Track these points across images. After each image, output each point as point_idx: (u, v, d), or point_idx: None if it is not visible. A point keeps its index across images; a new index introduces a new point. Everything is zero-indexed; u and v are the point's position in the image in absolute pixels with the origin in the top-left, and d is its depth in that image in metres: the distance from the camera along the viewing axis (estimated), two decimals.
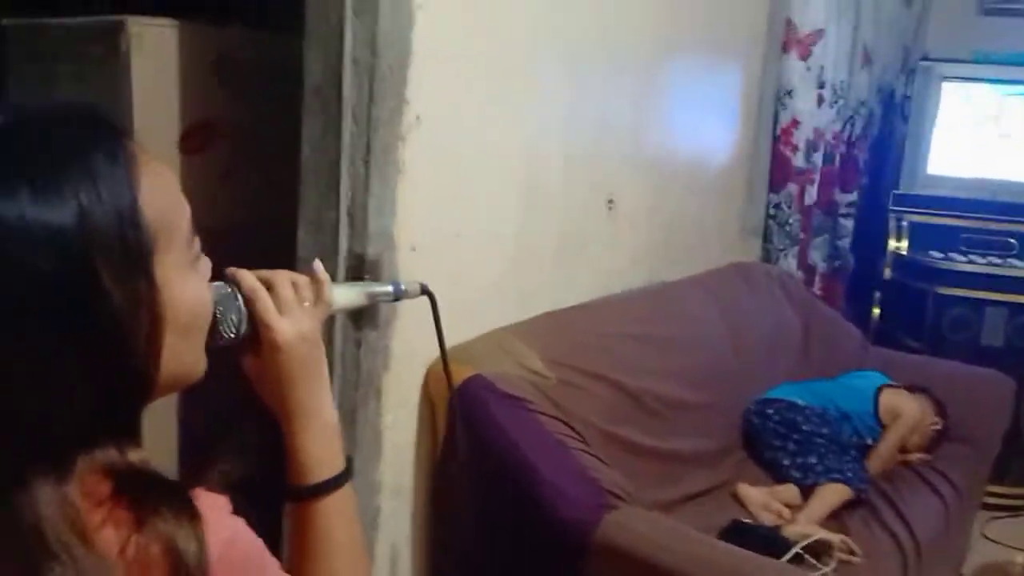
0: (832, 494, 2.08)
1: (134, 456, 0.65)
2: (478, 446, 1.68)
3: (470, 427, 1.70)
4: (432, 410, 1.78)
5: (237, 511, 0.69)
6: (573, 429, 1.76)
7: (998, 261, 3.02)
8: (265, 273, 0.82)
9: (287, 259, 1.66)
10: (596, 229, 2.23)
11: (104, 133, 0.65)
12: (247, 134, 1.98)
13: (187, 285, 0.68)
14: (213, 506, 0.66)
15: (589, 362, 1.93)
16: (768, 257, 2.99)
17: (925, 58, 3.28)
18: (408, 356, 1.73)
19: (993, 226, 3.10)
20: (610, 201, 2.24)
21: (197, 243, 0.71)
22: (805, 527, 1.90)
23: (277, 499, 0.86)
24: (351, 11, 1.54)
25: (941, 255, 3.05)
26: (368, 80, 1.56)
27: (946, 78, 3.13)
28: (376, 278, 1.63)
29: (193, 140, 1.90)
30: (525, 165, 1.95)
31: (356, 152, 1.59)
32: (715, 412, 2.26)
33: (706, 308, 2.44)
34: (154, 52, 1.82)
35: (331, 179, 1.61)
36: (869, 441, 2.37)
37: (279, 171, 1.71)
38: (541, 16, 1.91)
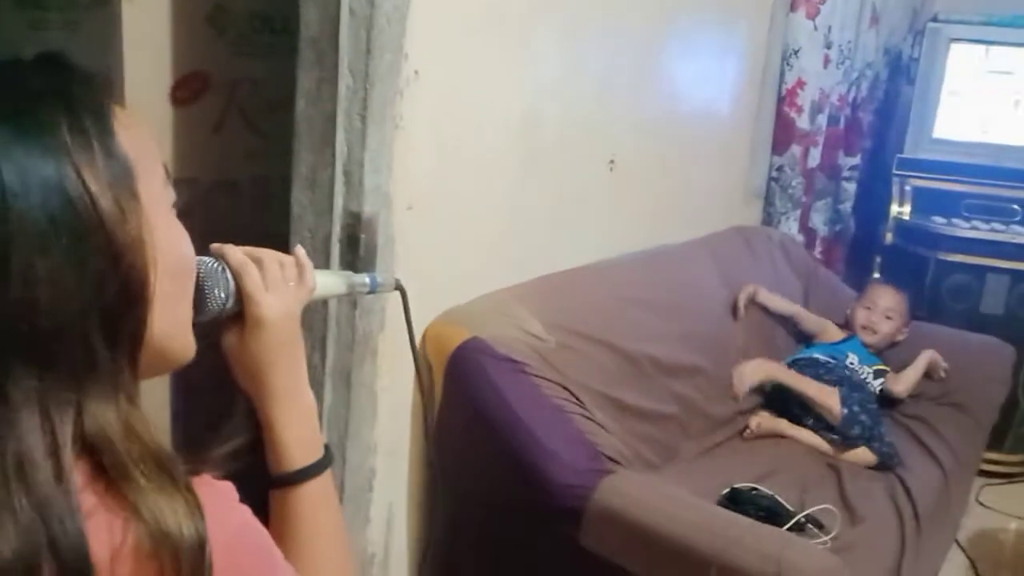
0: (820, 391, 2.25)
1: (136, 420, 0.61)
2: (475, 409, 1.66)
3: (466, 390, 1.68)
4: (429, 372, 1.76)
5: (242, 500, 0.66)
6: (571, 393, 1.74)
7: (1001, 227, 2.99)
8: (250, 249, 0.81)
9: (282, 216, 1.62)
10: (597, 190, 2.18)
11: (79, 75, 0.64)
12: (241, 86, 1.93)
13: (171, 228, 0.67)
14: (219, 493, 0.64)
15: (588, 326, 1.91)
16: (769, 220, 2.96)
17: (934, 19, 3.21)
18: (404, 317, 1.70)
19: (997, 192, 3.06)
20: (611, 162, 2.19)
21: (171, 190, 0.69)
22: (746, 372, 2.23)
23: (257, 485, 0.84)
24: None
25: (944, 220, 3.01)
26: (366, 32, 1.51)
27: (955, 39, 3.07)
28: (371, 237, 1.59)
29: (184, 90, 1.85)
30: (524, 123, 1.90)
31: (352, 106, 1.54)
32: (714, 376, 2.24)
33: (707, 272, 2.41)
34: (145, 1, 1.77)
35: (326, 134, 1.56)
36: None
37: (273, 125, 1.66)
38: None
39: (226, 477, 0.66)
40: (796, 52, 2.82)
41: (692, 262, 2.38)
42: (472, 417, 1.67)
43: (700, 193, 2.65)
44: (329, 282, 0.93)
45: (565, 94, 2.00)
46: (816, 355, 2.45)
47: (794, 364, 2.41)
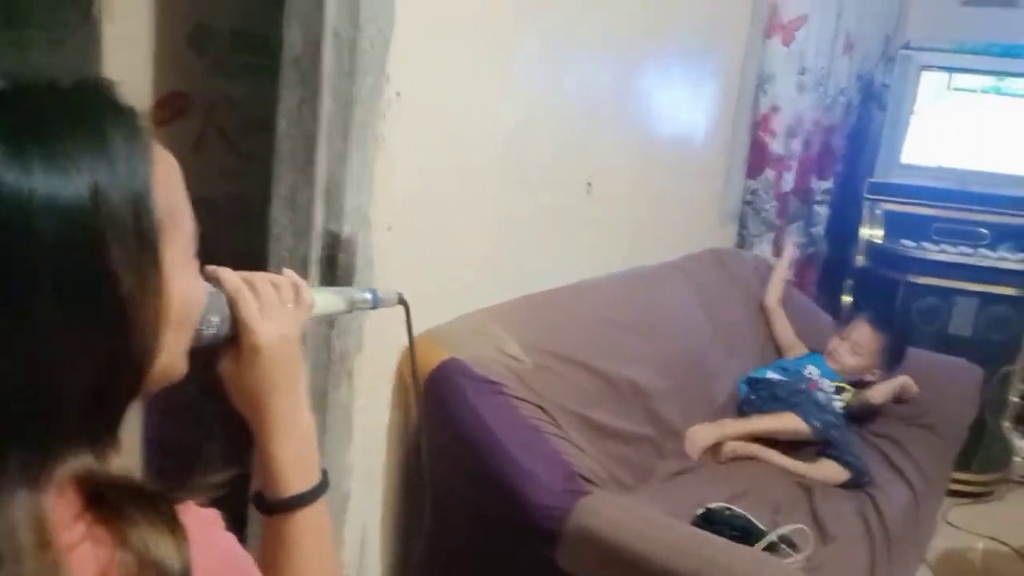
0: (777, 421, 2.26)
1: (114, 465, 0.62)
2: (452, 430, 1.66)
3: (444, 410, 1.68)
4: (405, 392, 1.76)
5: (228, 527, 0.66)
6: (548, 414, 1.75)
7: (969, 251, 3.04)
8: (245, 273, 0.80)
9: (259, 236, 1.62)
10: (576, 211, 2.21)
11: (121, 110, 0.62)
12: (222, 106, 1.93)
13: (186, 278, 0.66)
14: (205, 521, 0.63)
15: (566, 347, 1.92)
16: (743, 243, 2.99)
17: (906, 46, 3.27)
18: (381, 338, 1.71)
19: (965, 216, 3.12)
20: (589, 184, 2.21)
21: (195, 241, 0.69)
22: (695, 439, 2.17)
23: (245, 510, 0.84)
24: None
25: (913, 244, 3.06)
26: (349, 54, 1.52)
27: (925, 67, 3.13)
28: (350, 258, 1.60)
29: (165, 110, 1.85)
30: (505, 146, 1.92)
31: (334, 127, 1.55)
32: (691, 397, 2.26)
33: (683, 293, 2.43)
34: (127, 19, 1.77)
35: (307, 154, 1.57)
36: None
37: (252, 145, 1.66)
38: None
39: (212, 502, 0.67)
40: (771, 78, 2.87)
41: (668, 283, 2.41)
42: (451, 438, 1.68)
43: (676, 216, 2.68)
44: (328, 300, 0.91)
45: (545, 118, 2.02)
46: (770, 375, 2.48)
47: (751, 386, 2.43)
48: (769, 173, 2.92)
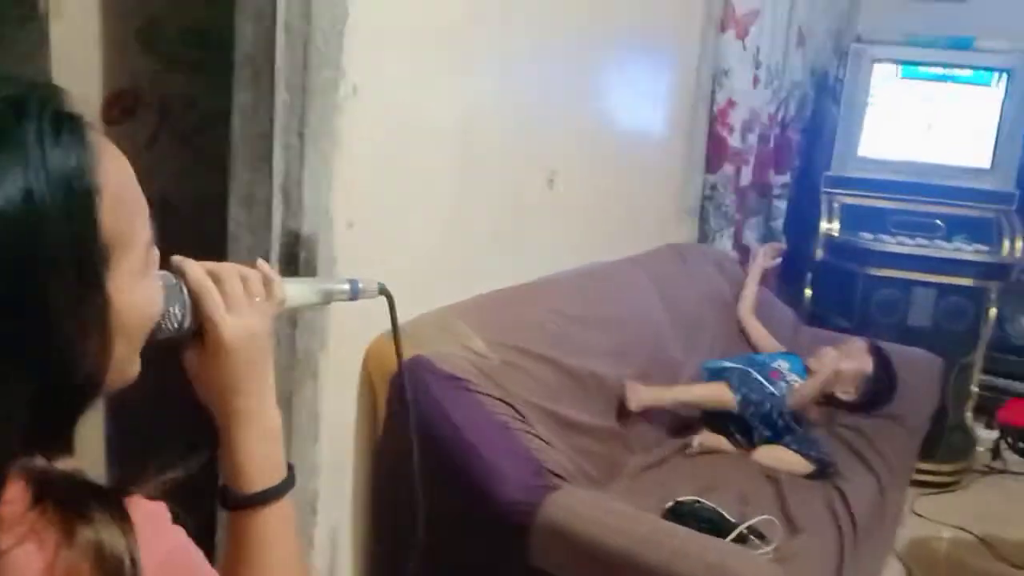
0: (710, 386, 2.25)
1: (64, 465, 0.60)
2: (419, 427, 1.63)
3: (411, 408, 1.66)
4: (372, 391, 1.74)
5: (176, 520, 0.64)
6: (515, 409, 1.74)
7: (925, 242, 3.08)
8: (212, 265, 0.77)
9: (218, 235, 1.59)
10: (536, 207, 2.19)
11: (65, 123, 0.57)
12: (175, 103, 1.89)
13: (138, 290, 0.63)
14: (151, 514, 0.61)
15: (531, 342, 1.91)
16: (704, 238, 3.00)
17: (857, 40, 3.31)
18: (346, 336, 1.68)
19: (921, 208, 3.16)
20: (550, 180, 2.20)
21: (154, 249, 0.66)
22: (633, 395, 2.08)
23: (212, 506, 0.81)
24: None
25: (871, 236, 3.09)
26: (302, 48, 1.50)
27: (877, 60, 3.17)
28: (311, 256, 1.57)
29: (116, 109, 1.81)
30: (464, 140, 1.90)
31: (290, 123, 1.52)
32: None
33: (645, 288, 2.43)
34: (74, 16, 1.73)
35: (263, 152, 1.54)
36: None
37: (208, 142, 1.63)
38: None
39: (172, 493, 0.64)
40: (726, 72, 2.88)
41: (630, 278, 2.41)
42: (416, 435, 1.65)
43: (636, 211, 2.68)
44: (300, 292, 0.88)
45: (503, 112, 2.01)
46: (727, 364, 2.44)
47: (711, 373, 2.41)
48: (728, 168, 2.93)
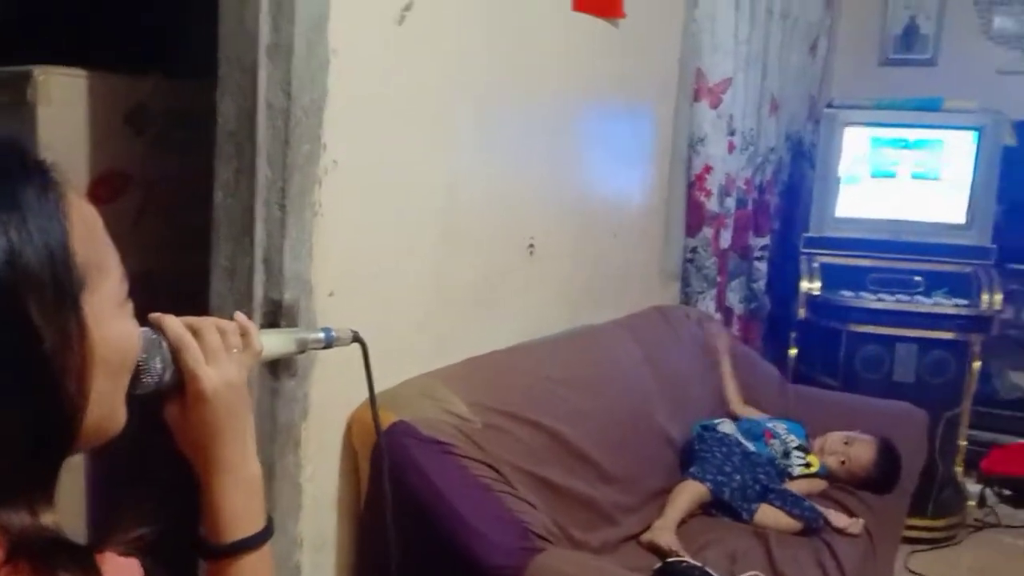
0: (683, 493, 2.17)
1: (47, 518, 0.60)
2: (402, 493, 1.64)
3: (393, 474, 1.66)
4: (354, 460, 1.75)
5: (149, 574, 0.65)
6: (498, 472, 1.74)
7: (906, 298, 3.13)
8: (190, 319, 0.80)
9: (200, 307, 1.62)
10: (518, 272, 2.23)
11: (31, 165, 0.62)
12: (161, 181, 1.94)
13: (116, 324, 0.66)
14: (122, 569, 0.62)
15: (514, 405, 1.92)
16: (687, 300, 3.04)
17: (829, 105, 3.41)
18: (328, 404, 1.70)
19: (899, 265, 3.21)
20: (531, 245, 2.25)
21: (125, 284, 0.69)
22: (660, 536, 1.98)
23: (191, 556, 0.83)
24: (265, 55, 1.53)
25: (852, 294, 3.14)
26: (283, 123, 1.55)
27: (849, 123, 3.26)
28: (292, 324, 1.59)
29: (103, 189, 1.85)
30: (443, 209, 1.95)
31: (271, 196, 1.57)
32: (641, 453, 2.26)
33: (629, 350, 2.45)
34: (63, 102, 1.78)
35: (245, 224, 1.58)
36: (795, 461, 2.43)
37: (193, 218, 1.67)
38: (454, 62, 1.92)
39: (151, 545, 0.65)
40: (702, 139, 2.96)
41: (614, 341, 2.43)
42: (399, 502, 1.66)
43: (619, 275, 2.73)
44: (277, 342, 0.91)
45: (484, 181, 2.06)
46: (720, 426, 2.43)
47: (699, 441, 2.40)
48: (707, 231, 2.99)
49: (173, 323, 0.78)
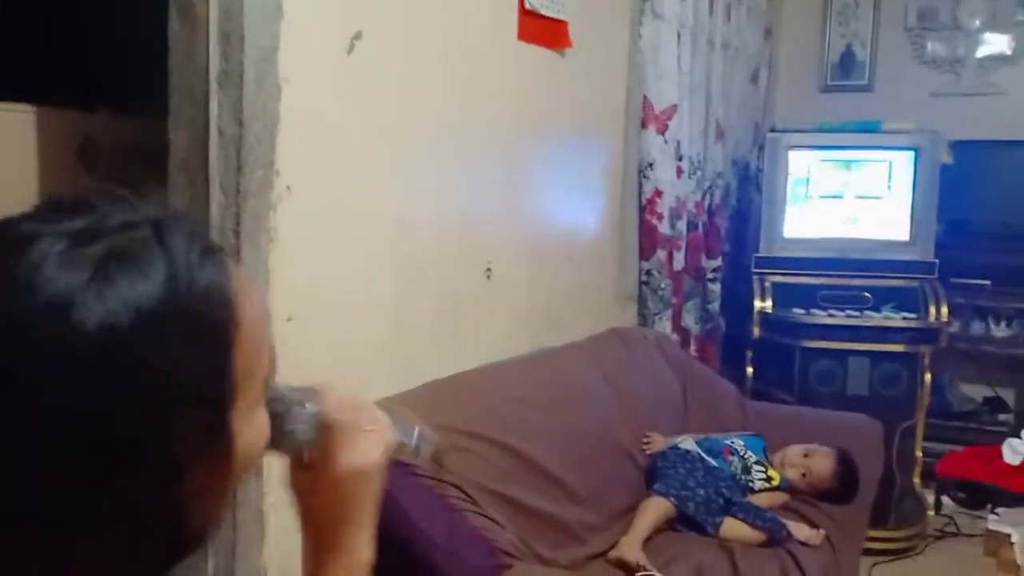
0: (649, 509, 2.18)
1: None
2: None
3: None
4: None
5: None
6: (465, 493, 1.75)
7: (855, 313, 3.19)
8: (345, 395, 0.76)
9: None
10: (476, 297, 2.25)
11: (210, 256, 0.56)
12: None
13: (253, 425, 0.61)
14: None
15: (477, 426, 1.93)
16: (644, 322, 3.08)
17: (772, 129, 3.50)
18: None
19: (847, 282, 3.28)
20: (488, 269, 2.27)
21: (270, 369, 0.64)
22: (627, 552, 1.99)
23: None
24: (215, 83, 1.55)
25: (803, 311, 3.20)
26: (235, 150, 1.57)
27: (792, 147, 3.34)
28: None
29: None
30: (399, 234, 1.97)
31: (226, 223, 1.58)
32: (606, 472, 2.27)
33: (589, 371, 2.48)
34: (11, 138, 1.78)
35: None
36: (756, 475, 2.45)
37: None
38: (404, 89, 1.96)
39: None
40: (651, 165, 3.02)
41: (574, 362, 2.45)
42: None
43: (576, 298, 2.76)
44: (401, 432, 0.83)
45: (436, 205, 2.09)
46: (682, 444, 2.44)
47: (662, 458, 2.42)
48: (661, 253, 3.04)
49: (333, 397, 0.74)
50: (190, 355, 0.53)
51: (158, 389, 0.52)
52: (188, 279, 0.53)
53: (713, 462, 2.41)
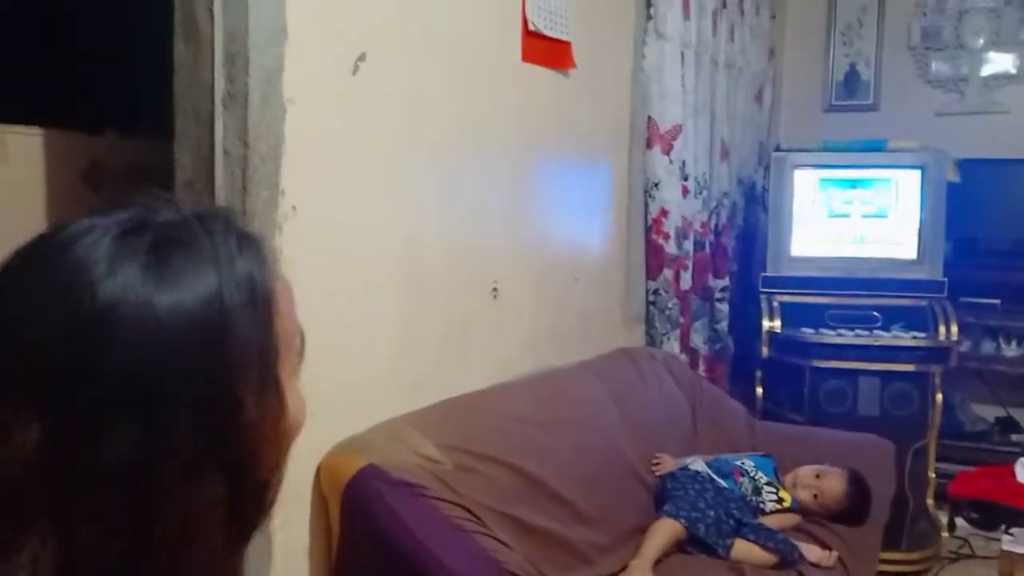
0: (659, 531, 2.16)
1: None
2: (374, 537, 1.62)
3: (365, 519, 1.65)
4: (325, 506, 1.72)
5: None
6: (472, 514, 1.73)
7: (865, 333, 3.17)
8: None
9: None
10: (482, 316, 2.25)
11: (244, 240, 0.63)
12: None
13: (292, 392, 0.66)
14: None
15: (485, 446, 1.91)
16: (652, 342, 3.06)
17: (777, 149, 3.50)
18: (295, 452, 1.67)
19: (856, 301, 3.26)
20: (495, 289, 2.26)
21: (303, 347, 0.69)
22: (637, 575, 1.99)
23: None
24: (220, 105, 1.55)
25: (812, 331, 3.18)
26: (240, 171, 1.57)
27: (798, 166, 3.34)
28: None
29: None
30: (404, 254, 1.96)
31: None
32: (615, 493, 2.25)
33: (596, 391, 2.46)
34: (19, 160, 1.79)
35: None
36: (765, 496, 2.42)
37: None
38: (409, 110, 1.96)
39: None
40: (657, 184, 3.02)
41: (581, 382, 2.44)
42: (372, 547, 1.64)
43: (583, 318, 2.75)
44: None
45: (441, 225, 2.09)
46: (692, 465, 2.43)
47: (672, 479, 2.40)
48: (667, 273, 3.03)
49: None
50: (245, 318, 0.59)
51: (227, 352, 0.58)
52: (230, 257, 0.60)
53: (723, 483, 2.38)
